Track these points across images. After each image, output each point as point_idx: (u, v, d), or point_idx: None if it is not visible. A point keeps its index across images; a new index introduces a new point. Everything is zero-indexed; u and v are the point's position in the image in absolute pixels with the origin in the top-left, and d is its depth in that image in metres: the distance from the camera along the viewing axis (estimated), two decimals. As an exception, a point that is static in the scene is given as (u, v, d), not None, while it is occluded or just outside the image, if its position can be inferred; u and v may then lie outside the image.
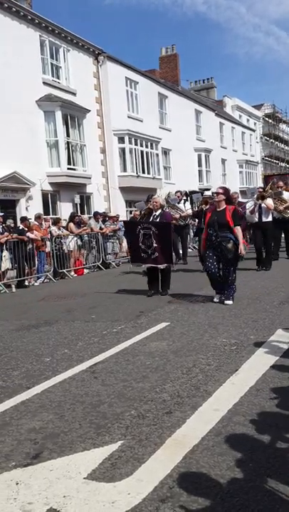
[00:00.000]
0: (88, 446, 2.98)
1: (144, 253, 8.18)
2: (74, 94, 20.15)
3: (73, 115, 19.50)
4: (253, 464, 2.66)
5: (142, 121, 24.55)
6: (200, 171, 31.07)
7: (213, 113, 34.10)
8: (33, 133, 17.62)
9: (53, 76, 19.40)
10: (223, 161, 35.55)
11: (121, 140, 22.88)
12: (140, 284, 9.82)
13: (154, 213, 8.44)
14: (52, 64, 19.46)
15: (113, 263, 14.96)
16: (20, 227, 12.20)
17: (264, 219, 10.26)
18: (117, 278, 11.90)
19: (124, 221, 13.23)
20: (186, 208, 13.36)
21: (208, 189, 30.59)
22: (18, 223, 13.35)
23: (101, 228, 14.63)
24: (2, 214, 12.72)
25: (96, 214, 15.79)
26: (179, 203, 13.25)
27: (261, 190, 10.51)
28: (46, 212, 17.68)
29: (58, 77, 19.78)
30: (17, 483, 2.60)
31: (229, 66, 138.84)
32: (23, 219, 12.72)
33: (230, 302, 6.98)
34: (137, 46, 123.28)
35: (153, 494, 2.44)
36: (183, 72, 69.41)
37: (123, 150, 23.00)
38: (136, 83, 24.69)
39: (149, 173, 24.27)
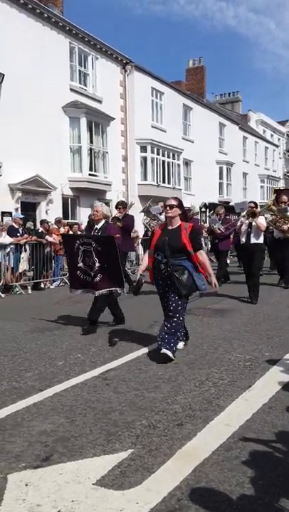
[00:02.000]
0: (98, 452, 2.99)
1: (86, 275, 6.25)
2: (100, 101, 20.37)
3: (98, 122, 19.70)
4: (263, 481, 2.64)
5: (165, 131, 24.68)
6: (221, 184, 31.04)
7: (237, 126, 34.12)
8: (57, 138, 17.83)
9: (80, 83, 19.65)
10: (245, 174, 35.49)
11: (143, 149, 23.02)
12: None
13: (95, 226, 6.62)
14: (80, 71, 19.72)
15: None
16: (40, 230, 12.32)
17: (253, 240, 8.50)
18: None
19: (61, 234, 11.89)
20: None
21: (227, 202, 30.63)
22: (38, 226, 13.49)
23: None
24: (22, 216, 12.87)
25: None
26: (161, 214, 11.14)
27: (253, 205, 8.73)
28: (65, 216, 17.83)
29: (85, 84, 20.02)
30: (26, 485, 2.61)
31: (256, 81, 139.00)
32: (43, 222, 12.85)
33: (169, 353, 4.79)
34: (164, 57, 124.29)
35: (161, 505, 2.44)
36: (209, 84, 69.67)
37: (145, 159, 23.12)
38: (161, 93, 24.86)
39: (169, 183, 24.34)
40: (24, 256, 11.26)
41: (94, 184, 19.31)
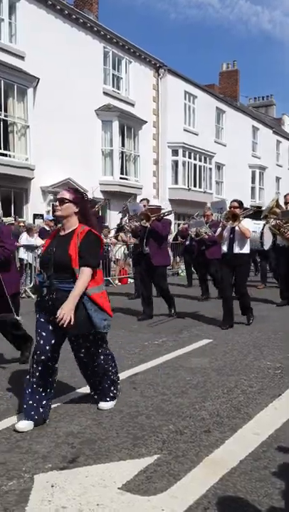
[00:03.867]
0: (124, 456, 2.97)
1: None
2: (132, 105, 20.47)
3: (130, 126, 19.80)
4: (293, 494, 2.56)
5: (197, 134, 24.59)
6: (253, 188, 30.69)
7: (271, 130, 33.69)
8: (90, 141, 18.00)
9: (113, 86, 19.80)
10: (278, 179, 34.98)
11: (175, 152, 22.99)
12: (184, 296, 9.78)
13: None
14: (113, 74, 19.89)
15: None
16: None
17: (237, 249, 6.71)
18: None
19: None
20: None
21: (260, 207, 30.23)
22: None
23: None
24: (53, 219, 13.02)
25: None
26: None
27: (236, 205, 6.87)
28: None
29: (118, 88, 20.17)
30: (52, 486, 2.62)
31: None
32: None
33: (106, 406, 3.72)
34: (197, 60, 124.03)
35: (187, 513, 2.40)
36: (242, 88, 69.18)
37: (176, 162, 23.09)
38: (194, 97, 24.80)
39: (200, 186, 24.23)
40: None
41: (125, 188, 19.39)
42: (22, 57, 15.41)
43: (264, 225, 9.48)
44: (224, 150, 27.16)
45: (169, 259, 8.34)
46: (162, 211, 7.94)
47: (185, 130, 23.87)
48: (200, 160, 24.41)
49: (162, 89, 22.44)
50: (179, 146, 22.88)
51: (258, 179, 30.91)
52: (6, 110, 14.81)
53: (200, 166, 24.39)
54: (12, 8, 15.40)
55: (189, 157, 23.54)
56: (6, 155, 14.76)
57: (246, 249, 6.79)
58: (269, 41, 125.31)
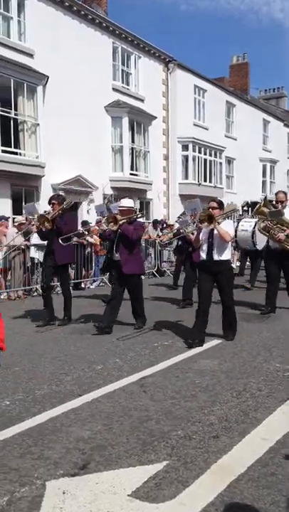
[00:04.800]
0: (134, 462, 3.04)
1: None
2: (142, 100, 20.43)
3: (139, 121, 19.77)
4: (299, 502, 2.61)
5: (207, 129, 24.48)
6: (264, 182, 30.49)
7: (282, 123, 33.39)
8: (99, 137, 18.03)
9: (122, 82, 19.77)
10: (289, 172, 34.71)
11: (185, 147, 22.93)
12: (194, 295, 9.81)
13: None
14: (122, 70, 19.85)
15: (168, 271, 15.03)
16: (81, 231, 12.50)
17: (216, 256, 5.89)
18: (170, 287, 11.90)
19: None
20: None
21: (271, 201, 30.05)
22: (79, 226, 13.68)
23: (158, 236, 14.73)
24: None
25: (155, 222, 15.93)
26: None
27: (216, 205, 6.08)
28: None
29: (128, 84, 20.14)
30: (64, 493, 2.69)
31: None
32: (84, 223, 13.03)
33: None
34: (207, 52, 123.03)
35: (195, 521, 2.45)
36: (253, 80, 68.55)
37: (186, 157, 23.03)
38: (204, 91, 24.66)
39: (210, 181, 24.15)
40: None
41: (135, 184, 19.41)
42: (31, 55, 15.43)
43: (256, 223, 8.98)
44: (234, 144, 27.00)
45: (143, 267, 7.29)
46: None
47: (195, 125, 23.77)
48: (210, 154, 24.31)
49: (172, 83, 22.35)
50: (189, 141, 22.80)
51: (268, 173, 30.70)
52: (16, 109, 14.87)
53: (210, 161, 24.30)
54: (21, 7, 15.41)
55: (199, 152, 23.46)
56: (16, 153, 14.85)
57: (227, 255, 6.00)
58: (280, 31, 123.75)
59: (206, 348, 5.76)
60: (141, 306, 6.97)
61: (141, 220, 7.44)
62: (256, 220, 8.62)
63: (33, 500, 2.61)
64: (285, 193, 7.85)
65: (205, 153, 23.90)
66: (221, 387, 4.36)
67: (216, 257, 5.89)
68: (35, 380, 4.60)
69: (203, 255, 5.99)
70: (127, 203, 6.94)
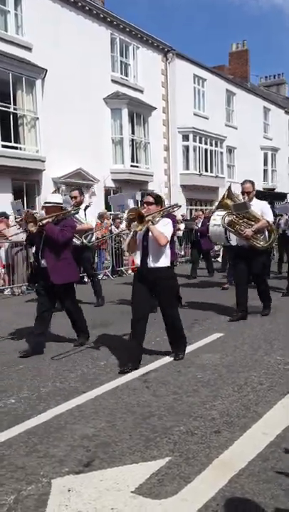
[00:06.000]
0: (137, 459, 3.11)
1: None
2: (141, 91, 20.35)
3: (139, 113, 19.71)
4: (298, 496, 2.67)
5: (207, 118, 24.39)
6: (265, 170, 30.43)
7: (283, 111, 33.20)
8: (99, 130, 18.00)
9: (121, 73, 19.69)
10: (291, 160, 34.55)
11: (185, 138, 22.87)
12: (198, 288, 9.87)
13: None
14: (121, 61, 19.76)
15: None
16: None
17: (152, 263, 4.87)
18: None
19: None
20: (88, 218, 8.16)
21: (273, 189, 29.99)
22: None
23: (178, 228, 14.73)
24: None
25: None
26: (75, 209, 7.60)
27: (151, 200, 5.07)
28: (108, 208, 18.03)
29: (127, 75, 20.05)
30: (69, 490, 2.77)
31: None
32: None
33: None
34: (207, 41, 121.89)
35: (196, 516, 2.52)
36: (253, 66, 68.03)
37: (187, 148, 22.98)
38: (204, 80, 24.53)
39: (212, 171, 24.11)
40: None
41: (136, 175, 19.42)
42: (29, 49, 15.39)
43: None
44: (235, 133, 26.91)
45: (73, 274, 5.79)
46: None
47: (195, 114, 23.69)
48: (211, 144, 24.25)
49: (171, 73, 22.24)
50: (190, 131, 22.75)
51: (270, 161, 30.62)
52: (15, 103, 14.87)
53: (211, 151, 24.24)
54: (17, 0, 15.32)
55: (200, 142, 23.41)
56: (16, 148, 14.87)
57: (165, 262, 4.91)
58: (280, 17, 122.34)
59: (208, 341, 5.83)
60: (79, 318, 5.88)
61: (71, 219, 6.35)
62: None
63: (39, 498, 2.69)
64: (252, 183, 6.97)
65: (206, 143, 23.85)
66: (223, 382, 4.43)
67: (151, 264, 4.85)
68: (40, 378, 4.68)
69: (137, 261, 5.05)
70: (52, 198, 5.88)
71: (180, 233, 15.38)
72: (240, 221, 6.74)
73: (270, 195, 23.99)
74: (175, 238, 13.54)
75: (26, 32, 15.43)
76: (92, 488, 2.79)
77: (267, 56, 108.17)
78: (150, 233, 4.81)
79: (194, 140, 23.02)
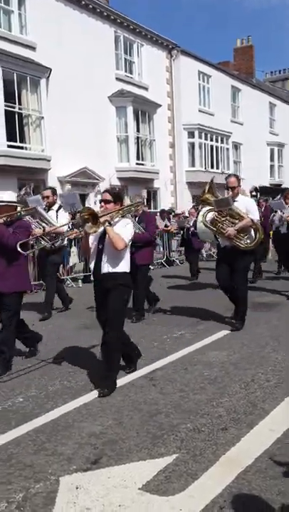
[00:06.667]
0: (144, 456, 3.13)
1: None
2: (146, 89, 20.32)
3: (144, 110, 19.69)
4: (305, 492, 2.68)
5: (213, 115, 24.31)
6: (272, 166, 30.29)
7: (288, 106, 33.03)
8: (104, 128, 18.00)
9: (125, 71, 19.67)
10: (297, 155, 34.37)
11: (191, 134, 22.83)
12: (205, 285, 9.87)
13: None
14: (125, 59, 19.73)
15: (177, 260, 15.10)
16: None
17: (107, 268, 4.31)
18: (180, 277, 11.96)
19: None
20: (60, 220, 7.38)
21: (279, 184, 29.85)
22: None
23: (166, 226, 14.75)
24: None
25: (162, 212, 15.95)
26: (46, 209, 7.40)
27: (109, 198, 4.48)
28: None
29: (131, 72, 20.03)
30: (77, 488, 2.79)
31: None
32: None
33: None
34: (211, 37, 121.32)
35: (204, 513, 2.54)
36: (258, 62, 67.48)
37: (192, 144, 22.94)
38: (208, 77, 24.45)
39: (218, 168, 24.03)
40: (74, 250, 11.57)
41: (141, 173, 19.42)
42: (33, 48, 15.42)
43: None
44: (241, 129, 26.80)
45: (25, 283, 5.13)
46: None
47: (200, 111, 23.63)
48: (216, 140, 24.19)
49: (175, 70, 22.19)
50: (195, 127, 22.70)
51: (276, 157, 30.48)
52: (20, 103, 14.91)
53: (217, 147, 24.18)
54: (21, 0, 15.34)
55: (205, 138, 23.35)
56: (22, 147, 14.91)
57: (122, 267, 4.32)
58: (286, 10, 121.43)
59: (215, 339, 5.83)
60: (7, 337, 4.89)
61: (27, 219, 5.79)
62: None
63: (47, 496, 2.72)
64: (237, 177, 6.40)
65: (211, 140, 23.79)
66: (230, 379, 4.43)
67: (105, 269, 4.28)
68: (47, 376, 4.70)
69: (92, 266, 4.44)
70: (4, 196, 5.11)
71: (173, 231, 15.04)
72: (223, 219, 6.10)
73: (276, 191, 23.89)
74: (158, 241, 13.37)
75: (30, 31, 15.46)
76: (100, 485, 2.81)
77: (271, 52, 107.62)
78: (107, 236, 4.24)
79: (200, 137, 22.98)
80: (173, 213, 17.12)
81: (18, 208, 5.24)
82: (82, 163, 16.47)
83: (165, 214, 15.56)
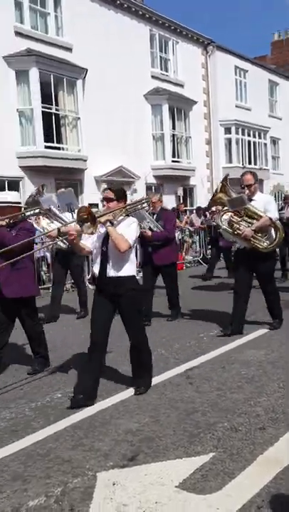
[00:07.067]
0: (181, 454, 3.12)
1: None
2: (182, 86, 20.23)
3: (180, 107, 19.61)
4: None
5: (250, 110, 23.94)
6: (311, 161, 29.53)
7: None
8: (140, 126, 18.03)
9: (161, 69, 19.63)
10: None
11: (227, 130, 22.56)
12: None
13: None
14: (161, 57, 19.69)
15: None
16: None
17: (112, 272, 4.05)
18: (215, 276, 11.84)
19: None
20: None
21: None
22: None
23: (202, 223, 14.64)
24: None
25: (199, 209, 15.85)
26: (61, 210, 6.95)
27: (111, 196, 4.17)
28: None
29: (166, 70, 19.98)
30: (114, 484, 2.82)
31: None
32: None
33: None
34: (248, 30, 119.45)
35: (241, 512, 2.51)
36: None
37: (229, 140, 22.66)
38: (245, 71, 24.09)
39: (255, 163, 23.66)
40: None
41: (177, 171, 19.33)
42: (70, 50, 15.61)
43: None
44: (279, 123, 26.29)
45: (30, 288, 4.82)
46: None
47: (237, 106, 23.31)
48: (254, 136, 23.81)
49: (211, 66, 21.97)
50: (232, 123, 22.41)
51: (316, 151, 29.67)
52: (57, 104, 15.12)
53: (254, 142, 23.80)
54: (57, 1, 15.56)
55: (243, 134, 23.03)
56: (59, 148, 15.13)
57: (128, 270, 4.08)
58: None
59: (253, 337, 5.75)
60: (40, 342, 4.98)
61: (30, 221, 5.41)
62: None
63: (85, 491, 2.76)
64: (253, 174, 5.88)
65: (249, 135, 23.44)
66: (267, 378, 4.37)
67: (111, 273, 4.03)
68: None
69: (95, 270, 4.15)
70: (4, 197, 4.87)
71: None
72: (239, 219, 5.72)
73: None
74: (180, 237, 13.11)
75: (66, 33, 15.65)
76: (137, 482, 2.83)
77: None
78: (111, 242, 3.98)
79: (237, 132, 22.67)
80: (209, 211, 16.97)
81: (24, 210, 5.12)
82: (118, 162, 16.56)
83: (201, 211, 15.44)
